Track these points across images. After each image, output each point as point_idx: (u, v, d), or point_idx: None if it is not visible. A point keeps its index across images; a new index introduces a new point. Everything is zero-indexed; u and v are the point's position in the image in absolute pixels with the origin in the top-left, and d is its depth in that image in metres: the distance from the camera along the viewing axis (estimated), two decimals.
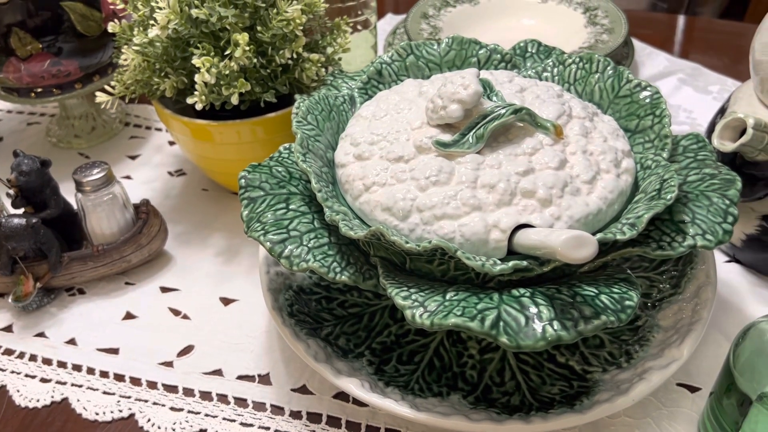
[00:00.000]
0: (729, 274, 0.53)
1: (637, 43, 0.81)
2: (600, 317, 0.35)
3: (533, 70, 0.53)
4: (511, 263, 0.36)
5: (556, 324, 0.34)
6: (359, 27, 0.71)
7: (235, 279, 0.55)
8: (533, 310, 0.35)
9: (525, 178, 0.40)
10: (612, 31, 0.75)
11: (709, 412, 0.41)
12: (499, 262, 0.37)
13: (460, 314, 0.35)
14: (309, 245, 0.41)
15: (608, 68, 0.50)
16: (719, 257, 0.55)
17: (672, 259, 0.50)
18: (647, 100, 0.47)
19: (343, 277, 0.40)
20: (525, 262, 0.37)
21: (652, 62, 0.80)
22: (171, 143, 0.71)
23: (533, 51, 0.55)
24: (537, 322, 0.35)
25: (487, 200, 0.39)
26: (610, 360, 0.45)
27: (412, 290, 0.37)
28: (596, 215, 0.40)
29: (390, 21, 0.91)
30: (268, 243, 0.41)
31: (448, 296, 0.37)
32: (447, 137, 0.42)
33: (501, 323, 0.35)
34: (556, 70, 0.52)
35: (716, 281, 0.46)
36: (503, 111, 0.42)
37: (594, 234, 0.39)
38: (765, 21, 0.49)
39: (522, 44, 0.55)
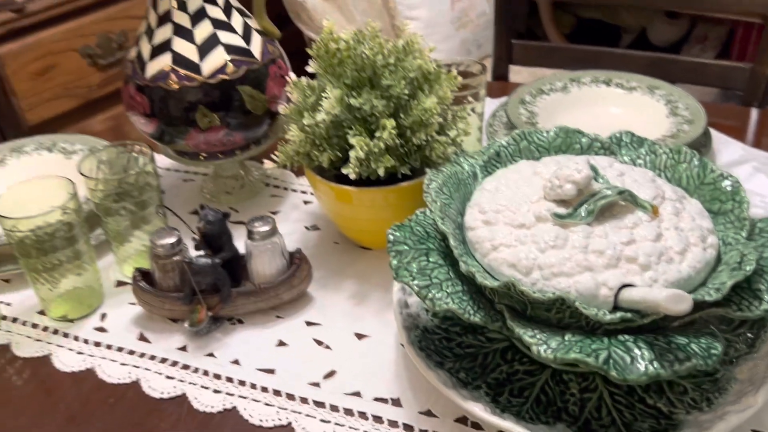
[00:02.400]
0: None
1: (714, 133, 0.89)
2: (691, 360, 0.43)
3: (628, 157, 0.62)
4: (618, 314, 0.45)
5: (656, 363, 0.42)
6: (469, 112, 0.81)
7: (366, 318, 0.65)
8: (637, 351, 0.43)
9: (628, 246, 0.48)
10: (692, 122, 0.84)
11: None
12: (608, 312, 0.45)
13: (578, 351, 0.43)
14: (447, 290, 0.50)
15: (694, 159, 0.58)
16: None
17: (748, 322, 0.57)
18: (729, 188, 0.55)
19: (476, 318, 0.49)
20: (630, 314, 0.45)
21: (728, 150, 0.87)
22: (305, 202, 0.82)
23: (627, 141, 0.64)
24: (640, 361, 0.43)
25: (597, 263, 0.48)
26: (692, 404, 0.52)
27: (536, 331, 0.46)
28: (687, 280, 0.48)
29: (489, 104, 1.01)
30: (416, 287, 0.50)
31: (566, 337, 0.45)
32: (562, 210, 0.51)
33: (611, 360, 0.43)
34: (648, 158, 0.61)
35: None
36: (609, 192, 0.51)
37: None
38: None
39: (618, 134, 0.64)
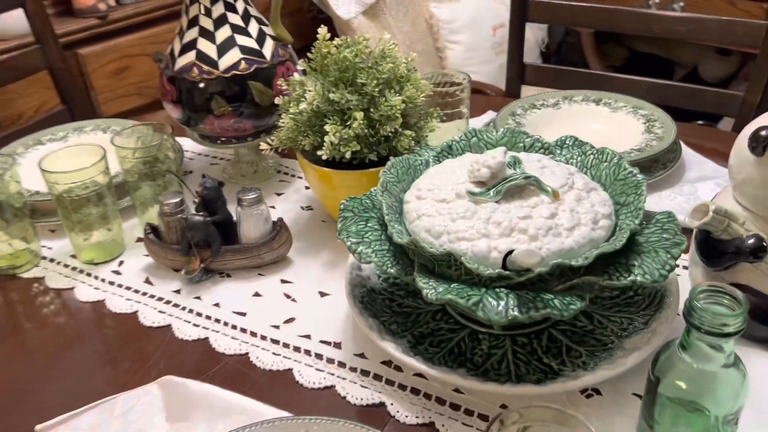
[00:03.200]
0: None
1: (690, 151, 0.95)
2: (547, 309, 0.51)
3: (563, 157, 0.70)
4: (496, 270, 0.54)
5: (516, 309, 0.51)
6: (456, 117, 0.91)
7: (332, 281, 0.75)
8: (504, 299, 0.52)
9: (523, 221, 0.57)
10: (661, 139, 0.90)
11: (642, 408, 0.55)
12: (489, 269, 0.54)
13: (455, 294, 0.53)
14: (374, 248, 0.60)
15: (614, 159, 0.66)
16: None
17: (651, 304, 0.64)
18: (633, 184, 0.63)
19: (392, 270, 0.59)
20: (507, 272, 0.54)
21: (699, 167, 0.93)
22: (306, 188, 0.94)
23: (569, 143, 0.72)
24: (504, 306, 0.51)
25: (493, 232, 0.57)
26: (580, 365, 0.60)
27: (431, 280, 0.55)
28: (569, 251, 0.56)
29: (489, 116, 1.10)
30: (349, 243, 0.60)
31: (452, 285, 0.54)
32: (477, 189, 0.61)
33: (481, 303, 0.52)
34: (580, 158, 0.69)
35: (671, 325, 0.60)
36: (518, 177, 0.60)
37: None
38: (739, 140, 0.64)
39: (563, 138, 0.73)
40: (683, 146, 0.94)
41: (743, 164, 0.61)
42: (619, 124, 0.97)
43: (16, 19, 1.40)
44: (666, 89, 1.12)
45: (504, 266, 0.56)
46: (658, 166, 0.89)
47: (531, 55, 1.90)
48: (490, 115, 1.11)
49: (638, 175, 0.64)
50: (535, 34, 1.89)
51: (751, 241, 0.61)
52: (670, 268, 0.55)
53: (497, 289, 0.54)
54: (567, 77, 1.23)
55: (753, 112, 1.05)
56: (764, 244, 0.60)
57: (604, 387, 0.60)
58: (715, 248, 0.63)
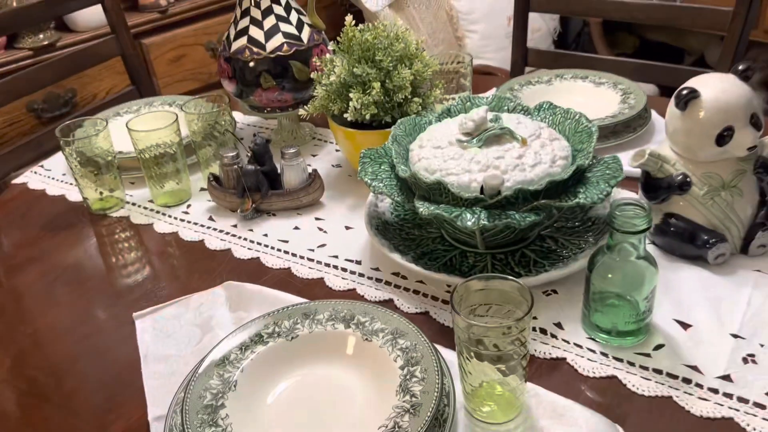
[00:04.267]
0: (649, 249, 0.81)
1: (660, 118, 1.09)
2: (508, 219, 0.68)
3: (540, 117, 0.87)
4: (474, 195, 0.71)
5: (485, 220, 0.68)
6: (460, 90, 1.08)
7: (356, 219, 0.93)
8: (477, 213, 0.69)
9: (497, 160, 0.74)
10: (633, 107, 1.06)
11: (583, 300, 0.71)
12: (469, 194, 0.71)
13: (442, 210, 0.70)
14: (384, 183, 0.78)
15: (575, 117, 0.83)
16: None
17: (599, 230, 0.80)
18: (588, 133, 0.79)
19: (398, 198, 0.76)
20: (482, 196, 0.71)
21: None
22: (336, 150, 1.12)
23: (545, 107, 0.88)
24: (475, 217, 0.69)
25: (474, 168, 0.74)
26: (538, 271, 0.76)
27: (425, 203, 0.73)
28: (530, 182, 0.73)
29: (493, 92, 1.26)
30: (367, 180, 0.78)
31: (441, 206, 0.72)
32: (464, 138, 0.78)
33: (460, 216, 0.69)
34: (551, 117, 0.86)
35: None
36: (495, 128, 0.77)
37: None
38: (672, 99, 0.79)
39: (541, 103, 0.89)
40: (654, 114, 1.09)
41: (672, 118, 0.77)
42: (600, 96, 1.13)
43: (91, 13, 1.60)
44: (649, 68, 1.26)
45: (481, 193, 0.73)
46: (629, 130, 1.04)
47: (544, 43, 2.05)
48: (493, 92, 1.27)
49: (592, 128, 0.80)
50: (548, 24, 2.03)
51: (679, 177, 0.77)
52: (606, 194, 0.71)
53: (474, 208, 0.71)
54: (564, 59, 1.38)
55: None
56: (688, 179, 0.76)
57: (560, 288, 0.76)
58: (653, 185, 0.79)
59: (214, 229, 0.94)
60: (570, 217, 0.85)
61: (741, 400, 0.61)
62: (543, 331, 0.71)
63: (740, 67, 0.76)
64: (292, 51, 1.03)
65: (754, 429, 0.59)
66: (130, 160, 1.05)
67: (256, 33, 1.02)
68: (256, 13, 1.02)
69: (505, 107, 0.89)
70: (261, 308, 0.76)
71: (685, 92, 0.74)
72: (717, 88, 0.74)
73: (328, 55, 0.96)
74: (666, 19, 1.22)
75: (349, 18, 0.94)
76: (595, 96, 1.13)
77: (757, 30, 1.77)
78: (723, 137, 0.73)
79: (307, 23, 1.06)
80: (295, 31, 1.04)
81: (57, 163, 1.16)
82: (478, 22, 1.90)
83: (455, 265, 0.80)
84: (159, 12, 1.76)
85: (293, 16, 1.04)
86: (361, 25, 0.95)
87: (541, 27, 2.00)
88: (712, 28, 1.21)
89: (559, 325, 0.72)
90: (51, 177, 1.14)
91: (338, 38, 0.95)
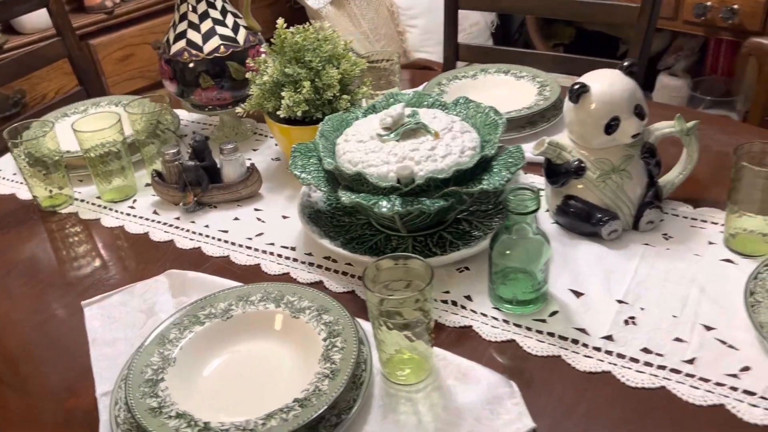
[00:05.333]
0: (552, 228, 0.90)
1: None
2: (419, 205, 0.76)
3: (455, 111, 0.94)
4: (390, 184, 0.78)
5: (399, 206, 0.76)
6: (389, 87, 1.15)
7: (292, 209, 0.99)
8: (393, 200, 0.77)
9: (412, 152, 0.82)
10: (548, 99, 1.14)
11: (488, 275, 0.79)
12: (386, 183, 0.79)
13: (361, 199, 0.77)
14: (312, 175, 0.85)
15: (486, 110, 0.91)
16: (548, 220, 0.92)
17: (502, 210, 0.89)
18: (495, 126, 0.87)
19: (324, 188, 0.83)
20: (398, 185, 0.79)
21: None
22: (276, 145, 1.18)
23: (462, 102, 0.96)
24: (391, 204, 0.76)
25: (392, 160, 0.81)
26: (452, 250, 0.84)
27: (348, 192, 0.80)
28: (440, 171, 0.80)
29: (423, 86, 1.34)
30: (296, 171, 0.85)
31: (360, 195, 0.79)
32: (384, 133, 0.85)
33: (377, 203, 0.76)
34: (465, 111, 0.94)
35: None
36: (411, 122, 0.84)
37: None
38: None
39: (458, 98, 0.97)
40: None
41: (568, 110, 0.86)
42: (520, 89, 1.21)
43: (38, 15, 1.63)
44: (561, 60, 1.35)
45: (398, 183, 0.80)
46: (544, 119, 1.13)
47: (482, 36, 2.13)
48: (424, 86, 1.35)
49: (499, 120, 0.88)
50: (485, 18, 2.12)
51: (575, 163, 0.85)
52: (507, 180, 0.79)
53: (390, 196, 0.79)
54: (493, 54, 1.46)
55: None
56: (583, 165, 0.85)
57: (471, 265, 0.84)
58: (554, 170, 0.88)
59: (159, 222, 1.00)
60: (483, 201, 0.93)
61: (619, 356, 0.70)
62: (454, 303, 0.79)
63: (626, 64, 0.85)
64: (229, 52, 1.08)
65: (628, 380, 0.67)
66: (77, 159, 1.10)
67: (193, 36, 1.08)
68: (193, 17, 1.08)
69: (425, 103, 0.96)
70: (200, 293, 0.82)
71: (576, 87, 0.83)
72: (605, 83, 0.83)
73: (262, 56, 1.02)
74: (583, 15, 1.31)
75: (281, 21, 1.00)
76: (516, 89, 1.22)
77: (677, 21, 1.88)
78: (610, 126, 0.82)
79: (243, 26, 1.12)
80: (231, 34, 1.09)
81: (6, 163, 1.20)
82: (419, 17, 1.98)
83: (380, 248, 0.87)
84: (105, 13, 1.79)
85: (229, 20, 1.10)
86: (292, 28, 1.02)
87: (479, 21, 2.08)
88: (624, 22, 1.30)
89: (468, 298, 0.80)
90: (1, 177, 1.18)
91: (271, 40, 1.01)
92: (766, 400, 0.64)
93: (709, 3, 1.76)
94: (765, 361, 0.68)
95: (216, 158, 1.03)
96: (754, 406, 0.64)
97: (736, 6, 1.72)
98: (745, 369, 0.67)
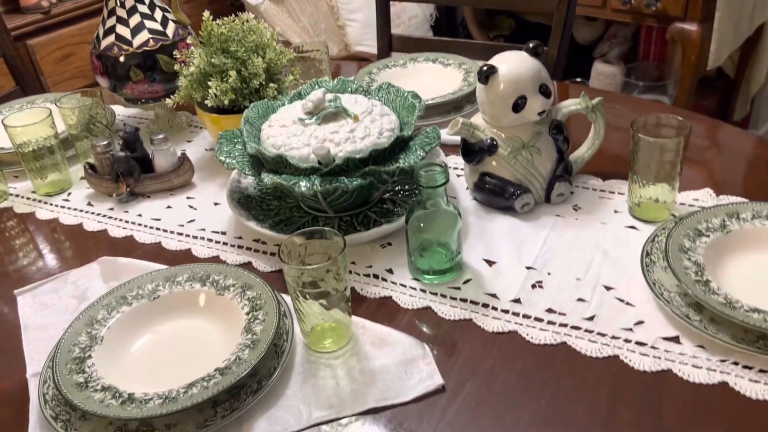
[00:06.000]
0: (471, 205, 0.95)
1: None
2: (338, 184, 0.80)
3: (378, 96, 0.98)
4: (310, 165, 0.82)
5: (318, 185, 0.80)
6: (319, 75, 1.19)
7: (224, 196, 1.02)
8: (313, 180, 0.80)
9: (332, 134, 0.85)
10: (472, 84, 1.19)
11: (407, 248, 0.83)
12: (307, 164, 0.82)
13: (282, 179, 0.81)
14: (237, 160, 0.88)
15: (404, 94, 0.95)
16: (467, 197, 0.96)
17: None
18: (412, 109, 0.91)
19: (249, 173, 0.86)
20: (319, 166, 0.82)
21: None
22: (209, 135, 1.20)
23: (385, 87, 1.00)
24: (311, 183, 0.80)
25: (312, 142, 0.85)
26: (375, 227, 0.88)
27: (270, 174, 0.83)
28: (359, 151, 0.84)
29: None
30: (221, 157, 0.88)
31: (283, 175, 0.82)
32: (306, 117, 0.88)
33: (297, 183, 0.80)
34: (386, 96, 0.98)
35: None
36: (331, 107, 0.88)
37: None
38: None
39: (381, 84, 1.00)
40: None
41: (479, 91, 0.90)
42: (446, 76, 1.26)
43: None
44: (484, 48, 1.40)
45: (319, 164, 0.84)
46: (469, 104, 1.18)
47: (422, 29, 2.18)
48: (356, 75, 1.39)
49: (416, 103, 0.92)
50: (423, 10, 2.17)
51: (488, 141, 0.90)
52: (421, 158, 0.84)
53: (311, 176, 0.83)
54: (425, 44, 1.51)
55: (554, 63, 1.35)
56: (495, 143, 0.90)
57: (394, 241, 0.89)
58: (469, 149, 0.92)
59: (93, 213, 1.02)
60: (406, 181, 0.97)
61: (525, 316, 0.75)
62: (376, 276, 0.83)
63: (530, 45, 0.90)
64: (158, 46, 1.11)
65: (532, 337, 0.72)
66: (11, 155, 1.11)
67: (122, 31, 1.10)
68: (121, 12, 1.10)
69: (349, 89, 1.00)
70: (131, 277, 0.84)
71: (485, 69, 0.87)
72: (511, 64, 0.88)
73: (191, 48, 1.05)
74: (507, 3, 1.36)
75: (206, 13, 1.03)
76: (443, 76, 1.26)
77: (606, 9, 1.95)
78: (517, 105, 0.87)
79: (172, 20, 1.14)
80: (160, 28, 1.11)
81: None
82: (358, 11, 2.01)
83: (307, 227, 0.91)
84: (42, 13, 1.79)
85: (158, 14, 1.12)
86: (218, 20, 1.04)
87: (418, 14, 2.13)
88: (545, 9, 1.36)
89: (390, 271, 0.84)
90: None
91: (199, 32, 1.04)
92: (655, 350, 0.69)
93: None
94: (657, 316, 0.73)
95: (148, 149, 1.05)
96: (644, 355, 0.69)
97: None
98: (639, 323, 0.73)
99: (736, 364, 0.66)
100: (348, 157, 0.82)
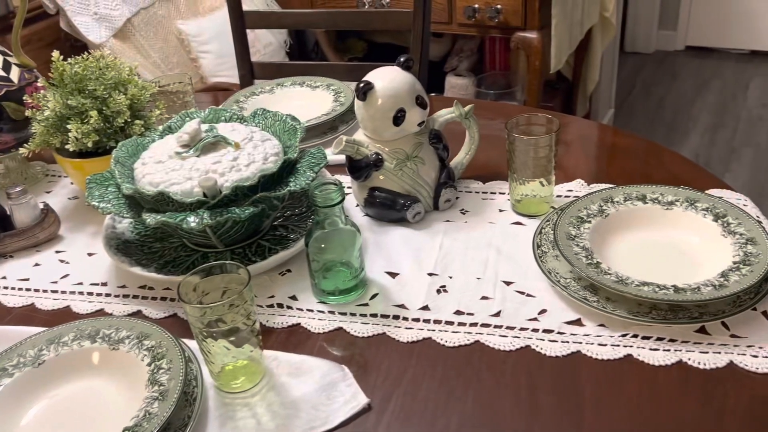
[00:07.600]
0: (364, 221, 0.95)
1: None
2: (229, 215, 0.77)
3: (255, 123, 0.96)
4: (195, 199, 0.78)
5: (207, 219, 0.76)
6: (185, 108, 1.15)
7: (98, 245, 0.95)
8: (201, 215, 0.77)
9: (214, 165, 0.82)
10: (343, 104, 1.20)
11: (309, 272, 0.82)
12: (191, 198, 0.79)
13: (167, 218, 0.76)
14: (112, 203, 0.82)
15: (283, 118, 0.94)
16: (359, 214, 0.97)
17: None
18: (293, 131, 0.91)
19: (127, 215, 0.81)
20: (205, 198, 0.79)
21: None
22: (71, 183, 1.12)
23: (260, 113, 0.98)
24: (199, 218, 0.76)
25: (195, 175, 0.81)
26: (271, 255, 0.86)
27: (153, 214, 0.79)
28: (246, 179, 0.82)
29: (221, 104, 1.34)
30: (94, 202, 0.82)
31: (167, 213, 0.78)
32: (182, 150, 0.85)
33: (184, 220, 0.76)
34: (263, 121, 0.96)
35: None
36: (209, 137, 0.85)
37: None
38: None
39: (256, 110, 0.99)
40: None
41: (358, 108, 0.91)
42: (316, 98, 1.26)
43: None
44: (352, 68, 1.43)
45: (204, 197, 0.81)
46: (343, 123, 1.18)
47: (278, 55, 2.17)
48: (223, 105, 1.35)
49: (297, 126, 0.92)
50: (277, 38, 2.16)
51: (373, 156, 0.91)
52: (312, 179, 0.83)
53: (198, 211, 0.79)
54: (287, 69, 1.50)
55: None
56: (380, 157, 0.91)
57: (293, 267, 0.87)
58: (356, 166, 0.93)
59: None
60: (297, 205, 0.96)
61: (436, 322, 0.76)
62: (280, 306, 0.81)
63: (402, 59, 0.92)
64: (3, 92, 1.02)
65: (446, 341, 0.73)
66: None
67: None
68: None
69: (223, 118, 0.97)
70: (6, 346, 0.76)
71: (362, 85, 0.88)
72: (386, 79, 0.90)
73: (41, 92, 0.97)
74: (363, 24, 1.40)
75: (56, 53, 0.96)
76: (312, 98, 1.26)
77: (452, 24, 2.05)
78: (397, 118, 0.89)
79: (15, 63, 1.05)
80: (2, 73, 1.03)
81: None
82: (210, 42, 1.97)
83: (198, 266, 0.86)
84: None
85: None
86: (70, 59, 0.98)
87: (272, 41, 2.12)
88: (401, 27, 1.40)
89: (294, 298, 0.82)
90: None
91: (49, 74, 0.97)
92: (562, 335, 0.73)
93: (477, 5, 1.95)
94: (557, 302, 0.77)
95: (5, 205, 0.96)
96: (553, 341, 0.72)
97: (499, 6, 1.92)
98: (543, 312, 0.76)
99: (635, 336, 0.71)
100: (237, 186, 0.79)
